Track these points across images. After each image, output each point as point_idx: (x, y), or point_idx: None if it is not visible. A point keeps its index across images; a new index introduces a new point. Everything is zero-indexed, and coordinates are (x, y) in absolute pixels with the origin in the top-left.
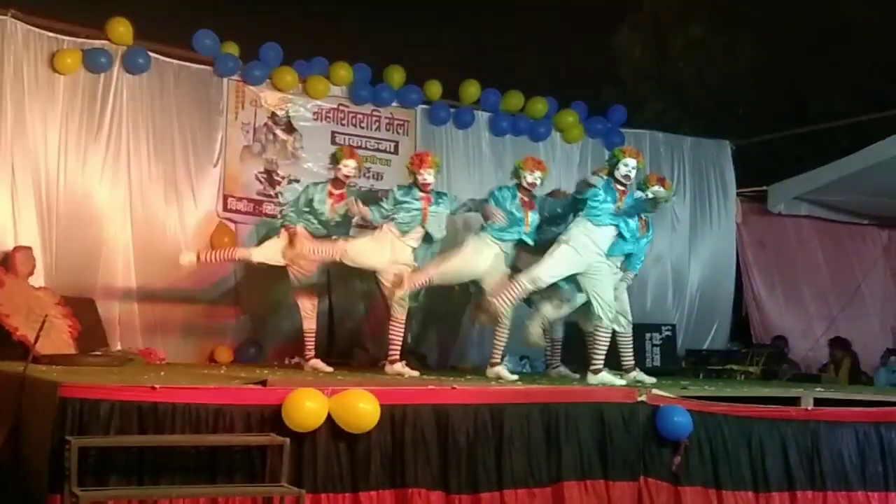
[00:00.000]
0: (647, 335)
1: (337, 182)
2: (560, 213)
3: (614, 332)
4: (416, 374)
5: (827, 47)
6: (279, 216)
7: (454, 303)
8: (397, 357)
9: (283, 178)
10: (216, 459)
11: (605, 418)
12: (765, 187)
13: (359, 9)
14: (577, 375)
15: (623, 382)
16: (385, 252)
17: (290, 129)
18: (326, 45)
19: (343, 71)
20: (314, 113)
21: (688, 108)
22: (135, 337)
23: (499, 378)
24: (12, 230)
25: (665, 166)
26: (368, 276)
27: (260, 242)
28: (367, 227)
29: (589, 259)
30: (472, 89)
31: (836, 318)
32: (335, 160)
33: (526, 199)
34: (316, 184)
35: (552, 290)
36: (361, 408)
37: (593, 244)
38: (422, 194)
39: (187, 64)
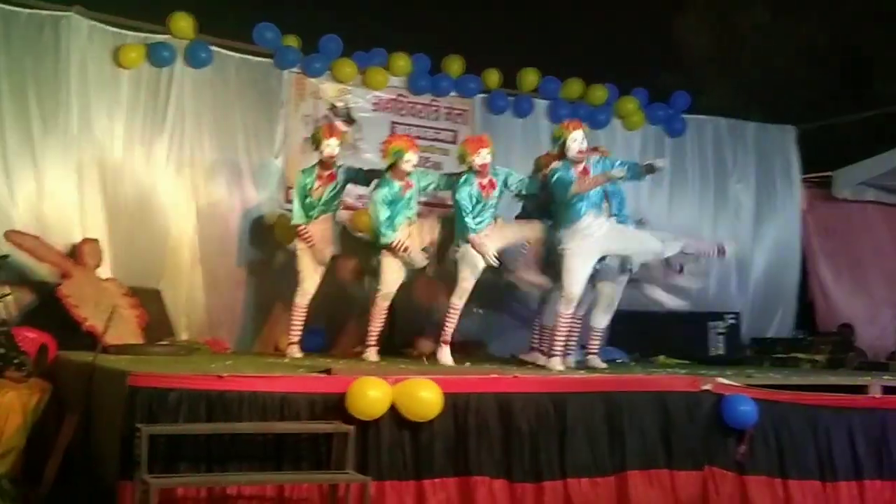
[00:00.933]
0: (711, 323)
1: (323, 164)
2: (532, 194)
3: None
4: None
5: (894, 28)
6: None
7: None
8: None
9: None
10: (282, 447)
11: (669, 407)
12: (830, 173)
13: None
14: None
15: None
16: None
17: (349, 120)
18: (385, 36)
19: (402, 61)
20: (373, 104)
21: (751, 92)
22: (200, 327)
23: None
24: (80, 223)
25: (728, 152)
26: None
27: None
28: None
29: (600, 246)
30: (531, 77)
31: None
32: (315, 142)
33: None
34: (303, 171)
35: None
36: (424, 396)
37: (589, 234)
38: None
39: (248, 57)
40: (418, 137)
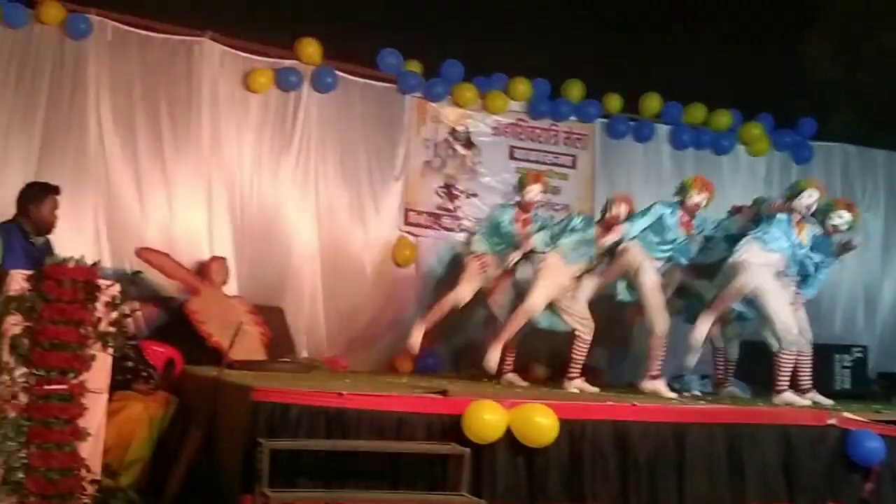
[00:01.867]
0: (837, 356)
1: (524, 205)
2: (735, 234)
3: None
4: (595, 390)
5: None
6: (458, 232)
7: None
8: (578, 373)
9: (461, 192)
10: (398, 466)
11: (793, 441)
12: None
13: (538, 23)
14: (748, 395)
15: (807, 403)
16: None
17: (469, 144)
18: (506, 61)
19: (522, 86)
20: (493, 128)
21: (880, 120)
22: (319, 345)
23: (656, 394)
24: (208, 241)
25: (857, 181)
26: None
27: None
28: None
29: (761, 278)
30: (652, 102)
31: None
32: (521, 185)
33: (686, 218)
34: (503, 206)
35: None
36: (540, 422)
37: (765, 264)
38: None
39: (372, 82)
40: (537, 162)
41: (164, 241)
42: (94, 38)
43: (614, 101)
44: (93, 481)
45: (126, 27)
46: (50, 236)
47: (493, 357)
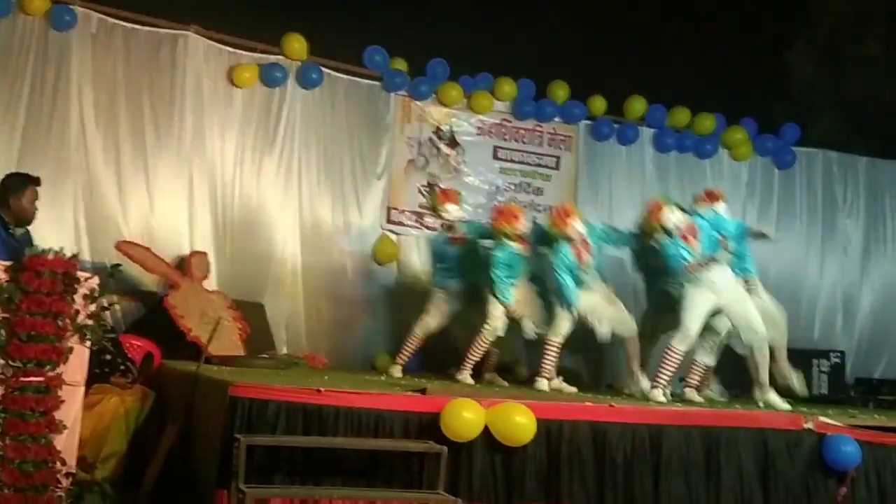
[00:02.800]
0: (815, 361)
1: (449, 226)
2: None
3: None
4: (573, 389)
5: None
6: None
7: None
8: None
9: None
10: (375, 463)
11: (769, 445)
12: None
13: (524, 24)
14: (725, 399)
15: (788, 407)
16: None
17: (453, 143)
18: (492, 61)
19: (507, 86)
20: (477, 128)
21: (862, 126)
22: (299, 342)
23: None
24: (189, 236)
25: (838, 186)
26: None
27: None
28: None
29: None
30: (637, 105)
31: None
32: (435, 209)
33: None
34: (432, 238)
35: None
36: (518, 421)
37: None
38: None
39: (357, 79)
40: (520, 162)
41: (145, 234)
42: (79, 30)
43: (599, 103)
44: (68, 474)
45: (111, 19)
46: (29, 228)
47: (464, 377)
